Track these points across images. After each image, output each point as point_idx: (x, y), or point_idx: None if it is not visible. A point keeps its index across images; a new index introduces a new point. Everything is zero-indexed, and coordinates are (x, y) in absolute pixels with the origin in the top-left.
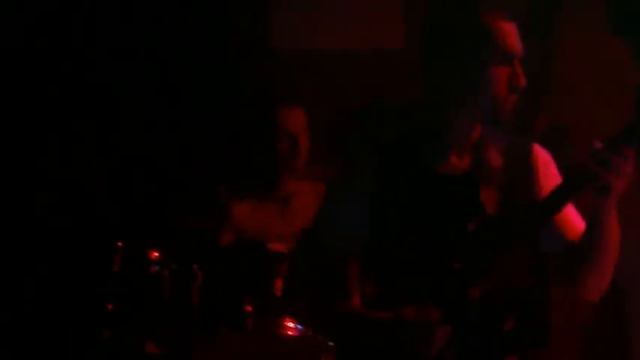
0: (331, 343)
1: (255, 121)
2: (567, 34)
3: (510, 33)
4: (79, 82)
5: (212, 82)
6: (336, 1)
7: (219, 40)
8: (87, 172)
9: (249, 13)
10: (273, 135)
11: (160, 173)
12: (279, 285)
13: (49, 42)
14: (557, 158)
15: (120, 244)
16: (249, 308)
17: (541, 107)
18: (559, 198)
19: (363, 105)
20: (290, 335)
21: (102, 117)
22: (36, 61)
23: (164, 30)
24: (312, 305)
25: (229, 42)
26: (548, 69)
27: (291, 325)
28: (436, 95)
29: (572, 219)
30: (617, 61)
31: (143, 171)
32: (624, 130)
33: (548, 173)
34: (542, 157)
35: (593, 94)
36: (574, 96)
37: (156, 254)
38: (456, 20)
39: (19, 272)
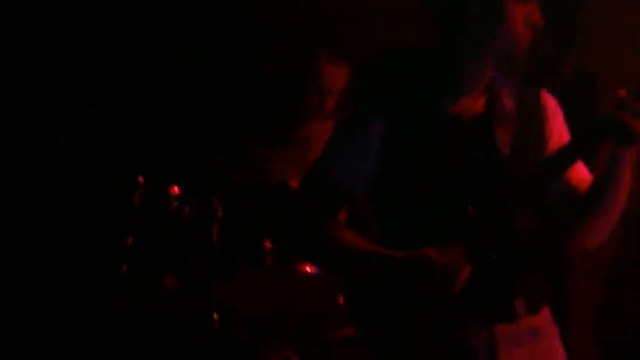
0: None
1: (287, 72)
2: None
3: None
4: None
5: (242, 32)
6: None
7: None
8: (110, 107)
9: None
10: (303, 81)
11: (183, 112)
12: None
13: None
14: (582, 103)
15: (141, 179)
16: (268, 245)
17: (569, 53)
18: (580, 147)
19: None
20: (308, 272)
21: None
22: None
23: None
24: (324, 244)
25: None
26: (578, 15)
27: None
28: (451, 35)
29: (580, 168)
30: None
31: (166, 108)
32: None
33: (557, 120)
34: (551, 103)
35: (619, 43)
36: (602, 43)
37: (176, 190)
38: None
39: (42, 205)
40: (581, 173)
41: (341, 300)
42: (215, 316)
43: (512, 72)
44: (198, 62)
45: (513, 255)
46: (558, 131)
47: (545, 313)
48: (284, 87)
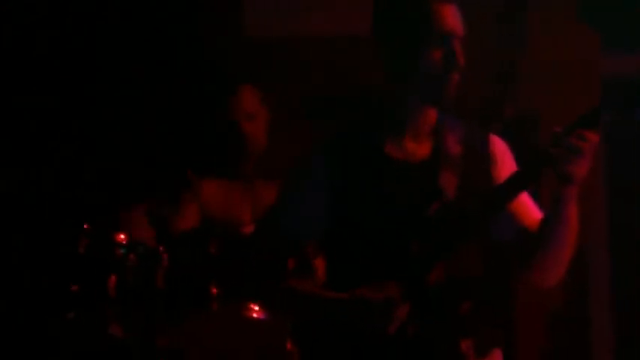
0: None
1: (212, 100)
2: (536, 21)
3: (449, 13)
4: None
5: (180, 67)
6: None
7: (191, 27)
8: (53, 154)
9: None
10: (215, 120)
11: (127, 155)
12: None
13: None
14: (524, 145)
15: (86, 226)
16: (214, 291)
17: (509, 95)
18: (518, 183)
19: (328, 92)
20: (256, 318)
21: (69, 101)
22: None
23: (136, 19)
24: (270, 287)
25: (202, 29)
26: (516, 56)
27: (256, 308)
28: (387, 78)
29: (529, 207)
30: (584, 47)
31: (109, 153)
32: (585, 115)
33: (505, 162)
34: (500, 146)
35: (560, 81)
36: (542, 84)
37: (122, 237)
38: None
39: None
40: (533, 213)
41: (289, 345)
42: None
43: (442, 107)
44: (140, 104)
45: (455, 295)
46: (507, 173)
47: (496, 357)
48: (199, 118)
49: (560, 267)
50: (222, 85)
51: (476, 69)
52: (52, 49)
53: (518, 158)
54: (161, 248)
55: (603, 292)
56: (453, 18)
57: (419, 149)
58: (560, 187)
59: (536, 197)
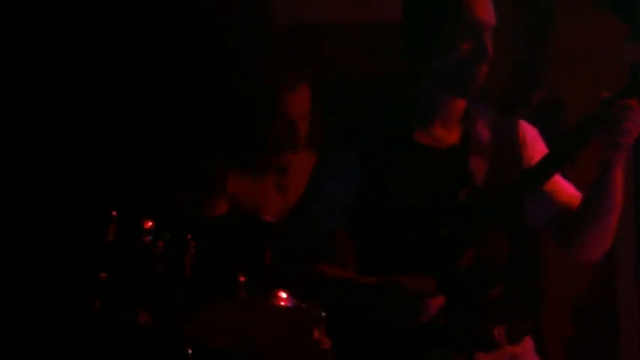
0: (323, 313)
1: (254, 100)
2: (565, 9)
3: (480, 4)
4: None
5: (213, 59)
6: None
7: (219, 17)
8: (84, 142)
9: None
10: (271, 118)
11: (157, 144)
12: (268, 256)
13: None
14: (551, 130)
15: (114, 213)
16: (242, 278)
17: (539, 81)
18: (552, 163)
19: (356, 78)
20: (282, 306)
21: (98, 90)
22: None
23: (163, 9)
24: (302, 274)
25: (230, 19)
26: (546, 44)
27: (283, 295)
28: (413, 67)
29: (565, 186)
30: (610, 35)
31: (140, 142)
32: (630, 84)
33: (536, 147)
34: (530, 132)
35: (586, 67)
36: (568, 70)
37: (150, 224)
38: None
39: (12, 242)
40: (569, 191)
41: (315, 334)
42: (189, 351)
43: (470, 97)
44: (170, 91)
45: (486, 280)
46: (539, 157)
47: (528, 344)
48: (255, 113)
49: (608, 236)
50: (281, 83)
51: (503, 56)
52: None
53: (547, 143)
54: (189, 236)
55: (629, 278)
56: (484, 9)
57: (448, 135)
58: (608, 153)
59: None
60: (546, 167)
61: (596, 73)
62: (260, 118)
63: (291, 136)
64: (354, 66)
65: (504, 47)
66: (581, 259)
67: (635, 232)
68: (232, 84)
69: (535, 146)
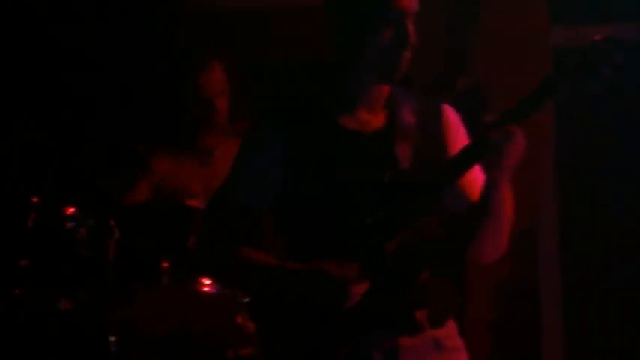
0: (246, 299)
1: (171, 81)
2: None
3: None
4: None
5: (130, 38)
6: None
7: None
8: (7, 127)
9: None
10: (189, 97)
11: (81, 130)
12: (192, 241)
13: None
14: (475, 117)
15: (35, 199)
16: (165, 265)
17: (464, 68)
18: (467, 159)
19: (280, 61)
20: (206, 292)
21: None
22: None
23: None
24: (226, 259)
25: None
26: (467, 30)
27: (207, 281)
28: (338, 52)
29: (478, 182)
30: (535, 21)
31: (60, 127)
32: (510, 110)
33: (459, 132)
34: (452, 117)
35: (511, 54)
36: (493, 57)
37: (72, 210)
38: None
39: None
40: (476, 183)
41: (239, 319)
42: (112, 338)
43: (395, 83)
44: (99, 74)
45: (411, 265)
46: (459, 143)
47: (451, 327)
48: (174, 93)
49: (497, 246)
50: (192, 61)
51: (428, 43)
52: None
53: (469, 130)
54: (112, 222)
55: (551, 260)
56: None
57: (373, 120)
58: (490, 173)
59: None
60: (454, 167)
61: (521, 60)
62: (175, 96)
63: (210, 114)
64: (278, 51)
65: (430, 33)
66: (474, 259)
67: (557, 213)
68: (149, 65)
69: (458, 131)
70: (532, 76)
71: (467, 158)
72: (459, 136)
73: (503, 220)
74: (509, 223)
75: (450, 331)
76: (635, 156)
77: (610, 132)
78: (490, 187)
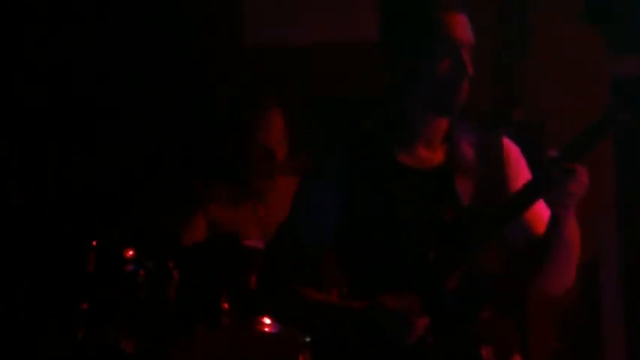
0: (308, 339)
1: (230, 127)
2: (541, 23)
3: (458, 22)
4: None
5: (187, 82)
6: None
7: (193, 41)
8: (62, 169)
9: (222, 12)
10: (248, 145)
11: (136, 171)
12: (254, 281)
13: None
14: (531, 150)
15: (94, 243)
16: (225, 305)
17: (517, 99)
18: (531, 192)
19: (336, 97)
20: (267, 332)
21: (75, 115)
22: None
23: (138, 32)
24: (288, 299)
25: (204, 42)
26: (524, 60)
27: (267, 321)
28: (393, 84)
29: (542, 216)
30: (591, 48)
31: (118, 169)
32: (570, 145)
33: (520, 166)
34: (513, 150)
35: (568, 83)
36: (550, 86)
37: (131, 253)
38: (406, 7)
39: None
40: (541, 217)
41: (301, 359)
42: None
43: (453, 116)
44: (148, 116)
45: (472, 300)
46: (521, 177)
47: None
48: (234, 139)
49: (565, 278)
50: (253, 107)
51: (482, 72)
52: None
53: (529, 162)
54: (171, 264)
55: (615, 294)
56: (462, 27)
57: (432, 156)
58: (556, 211)
59: None
60: (517, 202)
61: (577, 88)
62: (236, 144)
63: (268, 163)
64: (332, 87)
65: (484, 65)
66: (541, 292)
67: (619, 240)
68: (209, 108)
69: (519, 165)
70: (589, 106)
71: (529, 194)
72: (520, 170)
73: (571, 252)
74: (576, 254)
75: None
76: None
77: None
78: (555, 221)
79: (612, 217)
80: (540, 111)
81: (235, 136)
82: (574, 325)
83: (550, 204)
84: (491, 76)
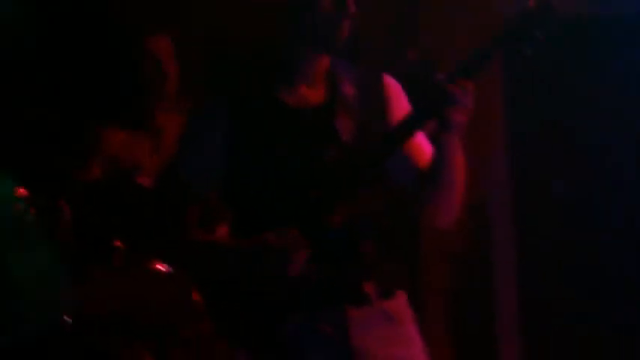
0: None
1: (119, 46)
2: None
3: None
4: None
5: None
6: None
7: None
8: None
9: None
10: (138, 58)
11: (29, 113)
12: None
13: None
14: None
15: None
16: (118, 244)
17: (411, 39)
18: (411, 124)
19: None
20: (160, 270)
21: None
22: None
23: None
24: (173, 238)
25: None
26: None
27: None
28: (277, 25)
29: (424, 149)
30: None
31: (11, 110)
32: (464, 62)
33: (400, 103)
34: (393, 86)
35: (461, 23)
36: (443, 26)
37: (22, 191)
38: None
39: None
40: (428, 155)
41: (195, 296)
42: (66, 318)
43: (334, 53)
44: (48, 52)
45: (354, 237)
46: (401, 113)
47: (401, 299)
48: (123, 57)
49: (451, 208)
50: (142, 29)
51: (376, 15)
52: None
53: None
54: (62, 202)
55: (506, 234)
56: None
57: (313, 94)
58: (440, 134)
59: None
60: (397, 134)
61: (471, 27)
62: (128, 60)
63: (159, 78)
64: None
65: (374, 5)
66: (429, 223)
67: (510, 181)
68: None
69: (399, 102)
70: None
71: (411, 122)
72: (401, 107)
73: (457, 177)
74: (462, 181)
75: (399, 303)
76: (583, 125)
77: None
78: (440, 147)
79: (502, 157)
80: (434, 51)
81: (125, 56)
82: (466, 266)
83: (438, 126)
84: (385, 18)
